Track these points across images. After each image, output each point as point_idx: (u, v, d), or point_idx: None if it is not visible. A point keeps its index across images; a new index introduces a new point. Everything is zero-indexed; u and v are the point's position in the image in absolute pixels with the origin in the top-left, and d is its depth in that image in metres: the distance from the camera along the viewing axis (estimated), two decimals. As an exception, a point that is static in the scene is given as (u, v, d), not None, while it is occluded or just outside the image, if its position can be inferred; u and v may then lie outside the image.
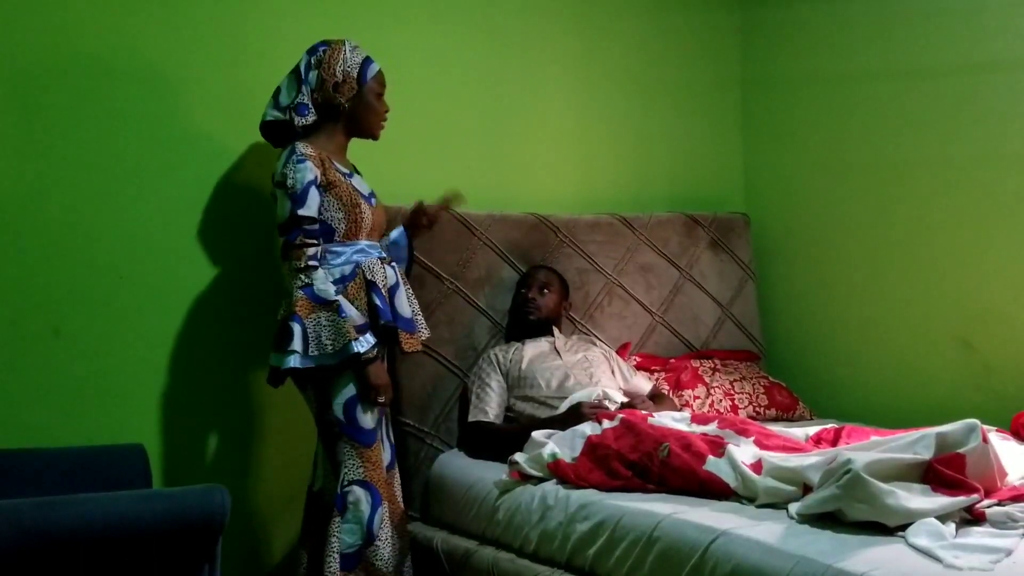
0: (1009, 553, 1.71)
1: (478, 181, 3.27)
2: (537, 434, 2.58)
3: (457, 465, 2.79)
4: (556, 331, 3.07)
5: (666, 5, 3.79)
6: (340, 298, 2.40)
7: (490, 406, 2.85)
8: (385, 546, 2.43)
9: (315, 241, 2.42)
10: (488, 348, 3.05)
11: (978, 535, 1.80)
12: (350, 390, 2.42)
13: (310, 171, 2.42)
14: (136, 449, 2.48)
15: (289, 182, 2.41)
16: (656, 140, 3.74)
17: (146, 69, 2.63)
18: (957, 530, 1.81)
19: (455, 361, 2.99)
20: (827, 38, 3.62)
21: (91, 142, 2.55)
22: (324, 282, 2.40)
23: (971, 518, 1.88)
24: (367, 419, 2.43)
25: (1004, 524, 1.84)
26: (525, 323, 3.02)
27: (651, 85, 3.73)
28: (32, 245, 2.47)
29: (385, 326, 2.45)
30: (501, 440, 2.72)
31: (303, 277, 2.39)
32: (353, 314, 2.40)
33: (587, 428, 2.50)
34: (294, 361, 2.35)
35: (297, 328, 2.35)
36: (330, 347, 2.35)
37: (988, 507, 1.89)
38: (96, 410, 2.54)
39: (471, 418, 2.85)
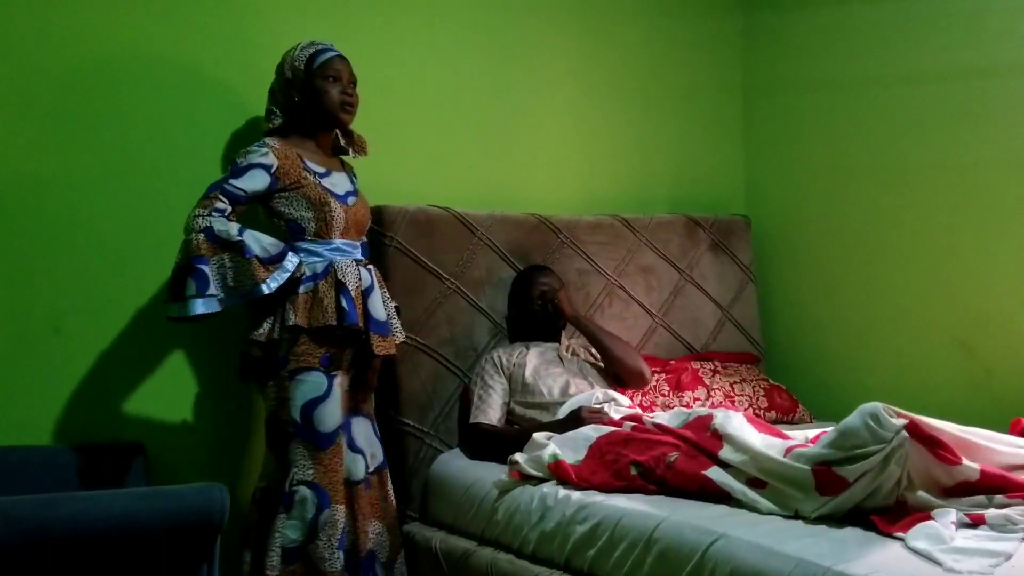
0: (1009, 557, 1.71)
1: (480, 181, 3.28)
2: (538, 435, 2.58)
3: (456, 465, 2.79)
4: (563, 335, 3.07)
5: (669, 8, 3.79)
6: (245, 236, 2.32)
7: (492, 408, 2.85)
8: (327, 546, 2.38)
9: (225, 202, 2.34)
10: (488, 348, 3.05)
11: (977, 538, 1.80)
12: (313, 391, 2.39)
13: (266, 156, 2.42)
14: (136, 447, 2.49)
15: (239, 159, 2.43)
16: (657, 142, 3.75)
17: (149, 66, 2.63)
18: (956, 533, 1.81)
19: (455, 361, 2.99)
20: (829, 43, 3.63)
21: (93, 140, 2.55)
22: (225, 224, 2.33)
23: (970, 522, 1.88)
24: (327, 422, 2.40)
25: (1004, 527, 1.84)
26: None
27: (653, 88, 3.73)
28: (33, 243, 2.47)
29: (348, 328, 2.41)
30: (502, 442, 2.72)
31: (200, 221, 2.31)
32: (258, 250, 2.32)
33: (591, 431, 2.50)
34: (206, 306, 2.26)
35: (207, 269, 2.27)
36: (236, 290, 2.30)
37: (988, 507, 1.90)
38: (96, 408, 2.54)
39: (473, 419, 2.85)
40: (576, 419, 2.63)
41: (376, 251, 2.93)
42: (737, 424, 2.27)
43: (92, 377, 2.53)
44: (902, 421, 1.91)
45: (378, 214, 2.94)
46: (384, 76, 3.05)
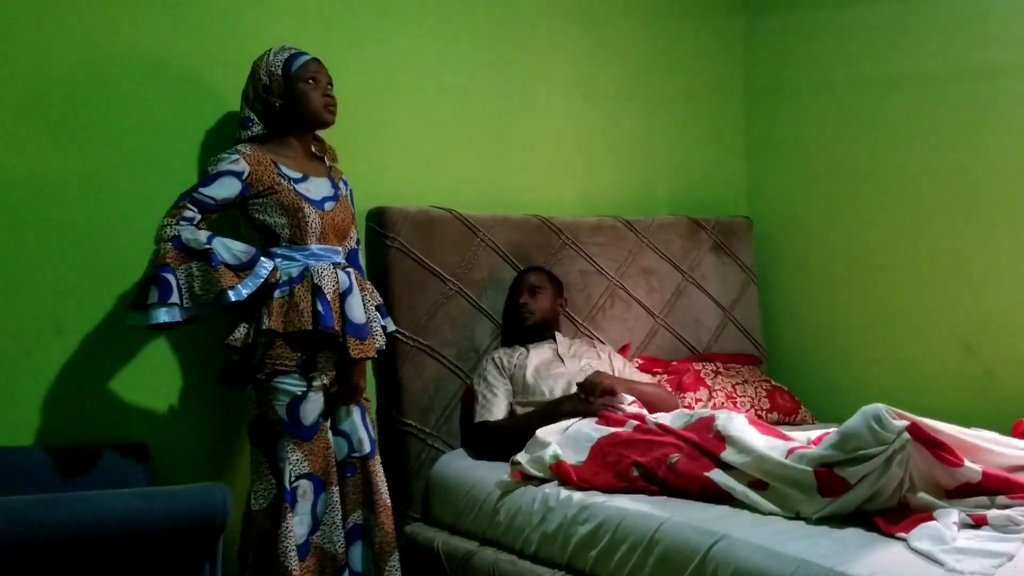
0: (1011, 558, 1.71)
1: (481, 182, 3.28)
2: (543, 433, 2.57)
3: (458, 466, 2.79)
4: (558, 336, 3.07)
5: (670, 10, 3.79)
6: (214, 244, 2.32)
7: (497, 407, 2.85)
8: (332, 527, 2.42)
9: (194, 210, 2.35)
10: (490, 349, 3.05)
11: (979, 539, 1.80)
12: (296, 388, 2.39)
13: (237, 163, 2.42)
14: (138, 447, 2.49)
15: (210, 166, 2.43)
16: (659, 143, 3.75)
17: (151, 67, 2.63)
18: (958, 533, 1.81)
19: (457, 362, 2.99)
20: (830, 44, 3.63)
21: (95, 140, 2.56)
22: (193, 232, 2.33)
23: (972, 522, 1.88)
24: (310, 416, 2.41)
25: (1006, 528, 1.83)
26: (523, 329, 3.02)
27: (655, 89, 3.74)
28: (35, 242, 2.47)
29: (324, 332, 2.41)
30: (508, 438, 2.71)
31: (168, 230, 2.31)
32: (227, 257, 2.32)
33: (592, 432, 2.49)
34: (168, 314, 2.25)
35: (172, 279, 2.27)
36: (203, 298, 2.30)
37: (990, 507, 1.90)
38: (98, 408, 2.54)
39: (477, 419, 2.84)
40: (583, 389, 2.65)
41: (378, 252, 2.93)
42: (739, 425, 2.27)
43: (94, 377, 2.54)
44: (904, 423, 1.91)
45: (380, 215, 2.94)
46: (385, 78, 3.06)
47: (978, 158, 3.16)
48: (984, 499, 1.94)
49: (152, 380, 2.62)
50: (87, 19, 2.55)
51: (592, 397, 2.68)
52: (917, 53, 3.33)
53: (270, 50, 2.54)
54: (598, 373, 2.73)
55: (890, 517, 1.90)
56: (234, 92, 2.71)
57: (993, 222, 3.13)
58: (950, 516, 1.86)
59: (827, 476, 1.98)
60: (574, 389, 2.84)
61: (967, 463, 1.95)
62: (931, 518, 1.86)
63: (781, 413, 3.29)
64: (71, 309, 2.51)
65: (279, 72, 2.51)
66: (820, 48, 3.67)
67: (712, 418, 2.35)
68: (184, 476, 2.61)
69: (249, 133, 2.52)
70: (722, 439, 2.25)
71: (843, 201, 3.59)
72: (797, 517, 2.02)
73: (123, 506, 1.90)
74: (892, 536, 1.84)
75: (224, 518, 1.95)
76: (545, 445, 2.52)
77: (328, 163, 2.66)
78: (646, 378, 3.10)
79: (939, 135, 3.27)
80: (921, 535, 1.79)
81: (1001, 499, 1.93)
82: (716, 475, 2.19)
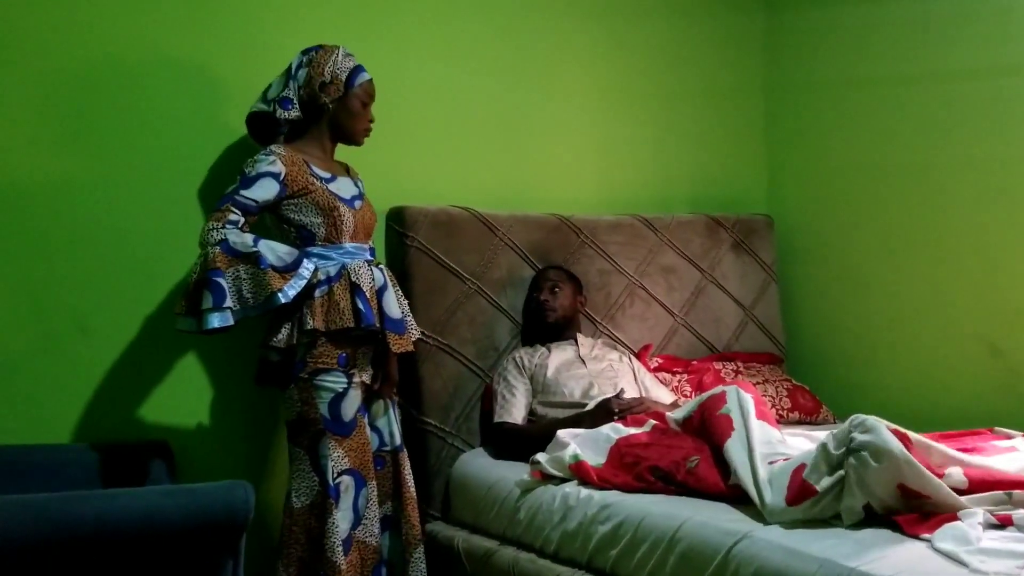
0: (1036, 558, 1.69)
1: (500, 182, 3.28)
2: (562, 434, 2.57)
3: (478, 465, 2.79)
4: (580, 336, 3.06)
5: (690, 7, 3.78)
6: (259, 247, 2.33)
7: (516, 408, 2.85)
8: (373, 521, 2.47)
9: (238, 213, 2.35)
10: (509, 348, 3.05)
11: (1004, 539, 1.78)
12: (338, 385, 2.42)
13: (274, 164, 2.42)
14: (160, 446, 2.51)
15: (247, 168, 2.42)
16: (678, 141, 3.74)
17: (172, 68, 2.65)
18: (983, 534, 1.80)
19: (476, 361, 3.00)
20: (851, 41, 3.61)
21: (119, 140, 2.58)
22: (240, 235, 2.33)
23: (997, 522, 1.86)
24: (349, 412, 2.44)
25: (1031, 529, 1.82)
26: (544, 326, 3.01)
27: (674, 86, 3.73)
28: (59, 242, 2.50)
29: (367, 328, 2.43)
30: (527, 441, 2.71)
31: (215, 234, 2.32)
32: (273, 259, 2.33)
33: (612, 432, 2.49)
34: (221, 320, 2.26)
35: (223, 282, 2.28)
36: (251, 301, 2.31)
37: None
38: (121, 406, 2.56)
39: (497, 419, 2.84)
40: (605, 411, 2.63)
41: (397, 251, 2.94)
42: (738, 449, 2.22)
43: (117, 376, 2.56)
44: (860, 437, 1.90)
45: (399, 214, 2.95)
46: (405, 77, 3.06)
47: (1001, 154, 3.14)
48: (1002, 494, 1.92)
49: (174, 378, 2.64)
50: (104, 20, 2.57)
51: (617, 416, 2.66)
52: (938, 49, 3.31)
53: (338, 49, 2.53)
54: (611, 400, 2.71)
55: (913, 518, 1.88)
56: (252, 92, 2.72)
57: (1017, 219, 3.10)
58: (975, 516, 1.84)
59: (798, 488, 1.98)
60: (595, 390, 2.84)
61: (947, 470, 1.93)
62: (955, 518, 1.85)
63: (802, 413, 3.27)
64: (94, 309, 2.53)
65: (342, 79, 2.52)
66: (840, 44, 3.65)
67: (715, 405, 2.34)
68: (205, 475, 2.62)
69: (287, 114, 2.51)
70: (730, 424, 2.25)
71: (864, 198, 3.57)
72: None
73: (146, 503, 1.91)
74: (916, 537, 1.82)
75: (247, 515, 1.96)
76: (564, 445, 2.51)
77: (341, 162, 2.69)
78: (665, 391, 3.07)
79: (961, 131, 3.24)
80: (945, 535, 1.78)
81: (1018, 494, 1.91)
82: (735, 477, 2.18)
